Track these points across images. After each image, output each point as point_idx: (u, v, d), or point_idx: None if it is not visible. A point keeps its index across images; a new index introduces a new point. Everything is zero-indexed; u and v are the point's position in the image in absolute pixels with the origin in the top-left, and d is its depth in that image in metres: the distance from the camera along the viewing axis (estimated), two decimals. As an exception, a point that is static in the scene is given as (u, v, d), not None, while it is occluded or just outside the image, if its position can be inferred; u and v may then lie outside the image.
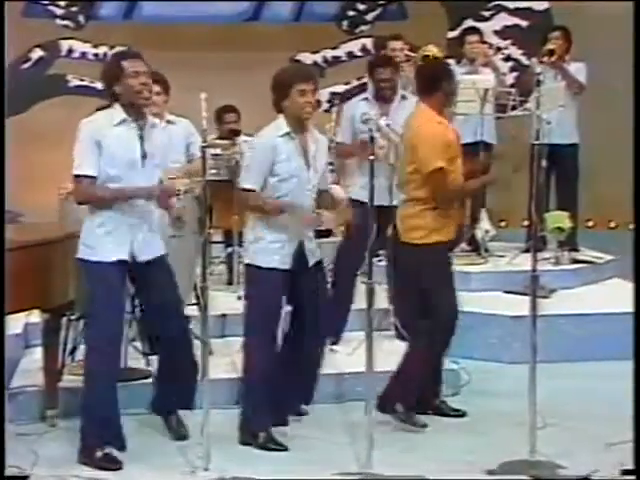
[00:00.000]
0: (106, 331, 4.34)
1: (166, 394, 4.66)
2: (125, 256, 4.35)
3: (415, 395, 4.79)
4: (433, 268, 4.78)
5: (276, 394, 4.63)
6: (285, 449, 4.55)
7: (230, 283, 6.91)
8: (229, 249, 6.96)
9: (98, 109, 4.55)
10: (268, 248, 4.57)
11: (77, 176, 4.33)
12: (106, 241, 4.34)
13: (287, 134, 4.53)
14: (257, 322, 4.62)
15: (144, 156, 4.35)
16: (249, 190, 4.56)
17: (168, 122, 5.73)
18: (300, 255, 4.60)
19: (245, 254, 4.73)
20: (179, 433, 4.65)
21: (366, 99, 6.01)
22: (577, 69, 7.37)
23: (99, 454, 4.31)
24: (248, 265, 4.64)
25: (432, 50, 7.27)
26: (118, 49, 4.57)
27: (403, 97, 6.01)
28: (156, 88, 5.26)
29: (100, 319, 4.34)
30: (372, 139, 4.30)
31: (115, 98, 4.36)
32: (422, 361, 4.77)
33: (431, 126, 4.76)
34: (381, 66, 5.99)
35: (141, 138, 4.35)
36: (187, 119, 5.79)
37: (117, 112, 4.36)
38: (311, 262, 4.65)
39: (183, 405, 4.64)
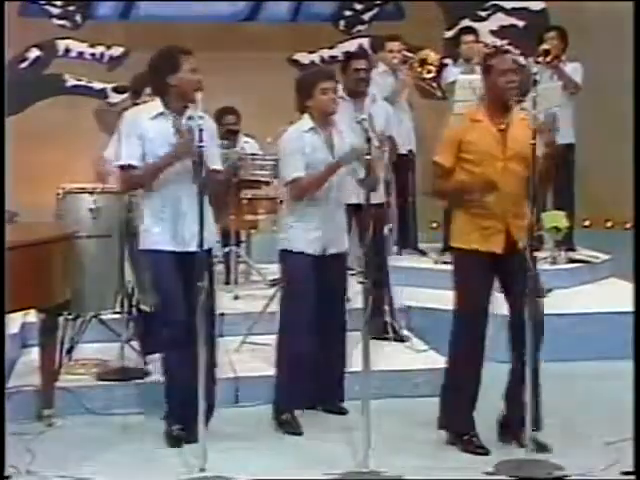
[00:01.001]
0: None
1: None
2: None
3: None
4: (456, 275, 4.62)
5: (307, 379, 4.86)
6: (299, 433, 4.75)
7: (228, 283, 6.92)
8: (226, 249, 6.96)
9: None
10: (297, 234, 4.83)
11: (120, 167, 4.54)
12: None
13: (312, 129, 4.80)
14: (288, 303, 4.89)
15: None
16: (297, 179, 4.76)
17: None
18: (324, 242, 4.83)
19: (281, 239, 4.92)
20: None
21: (340, 97, 6.03)
22: (573, 69, 7.38)
23: None
24: (282, 250, 4.89)
25: (429, 54, 7.29)
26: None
27: (373, 99, 6.07)
28: None
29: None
30: (368, 139, 4.33)
31: (161, 90, 4.52)
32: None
33: (457, 121, 4.75)
34: (359, 57, 6.11)
35: (177, 131, 4.45)
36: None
37: (156, 105, 4.52)
38: (330, 250, 4.84)
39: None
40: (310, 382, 4.92)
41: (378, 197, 5.81)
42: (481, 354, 4.53)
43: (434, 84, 7.40)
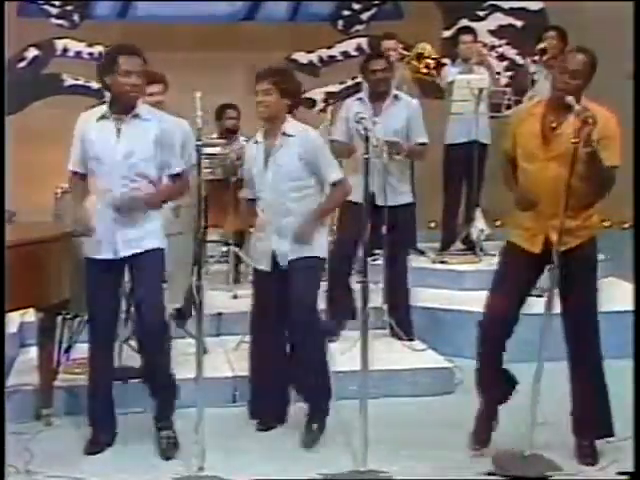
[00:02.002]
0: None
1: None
2: None
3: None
4: (498, 267, 4.50)
5: (274, 391, 4.75)
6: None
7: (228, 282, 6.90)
8: (224, 248, 6.97)
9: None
10: (253, 246, 4.77)
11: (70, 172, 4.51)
12: None
13: (256, 141, 4.66)
14: (250, 320, 4.74)
15: (121, 151, 4.36)
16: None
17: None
18: (272, 255, 4.63)
19: None
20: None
21: (360, 99, 6.02)
22: None
23: None
24: None
25: (426, 47, 7.28)
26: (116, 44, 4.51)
27: (396, 97, 6.00)
28: (155, 89, 5.30)
29: None
30: (367, 138, 4.32)
31: (105, 89, 4.46)
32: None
33: (517, 109, 4.70)
34: (375, 58, 6.04)
35: (119, 132, 4.37)
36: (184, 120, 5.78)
37: (103, 107, 4.45)
38: (282, 262, 4.61)
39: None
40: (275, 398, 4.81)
41: (397, 199, 5.84)
42: (499, 354, 4.42)
43: (434, 73, 7.37)
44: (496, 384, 4.48)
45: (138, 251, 4.43)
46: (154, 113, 4.46)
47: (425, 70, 7.25)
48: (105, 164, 4.38)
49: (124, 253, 4.42)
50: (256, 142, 4.65)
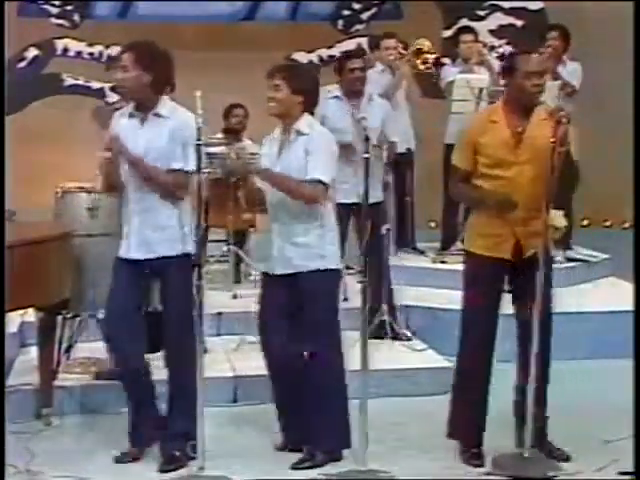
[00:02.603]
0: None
1: None
2: None
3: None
4: (465, 278, 4.41)
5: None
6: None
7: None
8: (224, 248, 6.97)
9: None
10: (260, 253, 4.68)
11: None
12: None
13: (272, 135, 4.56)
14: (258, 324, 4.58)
15: (141, 148, 4.39)
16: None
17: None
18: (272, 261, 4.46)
19: None
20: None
21: (337, 97, 6.04)
22: (572, 70, 7.33)
23: None
24: None
25: (424, 43, 7.28)
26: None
27: (370, 97, 6.05)
28: None
29: None
30: (367, 138, 4.32)
31: None
32: None
33: (470, 121, 4.67)
34: (353, 57, 6.07)
35: (141, 130, 4.42)
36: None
37: (132, 105, 4.51)
38: (278, 270, 4.39)
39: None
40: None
41: (375, 197, 5.83)
42: (489, 359, 4.40)
43: (432, 69, 7.36)
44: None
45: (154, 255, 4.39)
46: (174, 111, 4.44)
47: (422, 67, 7.24)
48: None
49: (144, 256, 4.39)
50: (272, 138, 4.58)
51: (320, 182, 4.32)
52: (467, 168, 4.32)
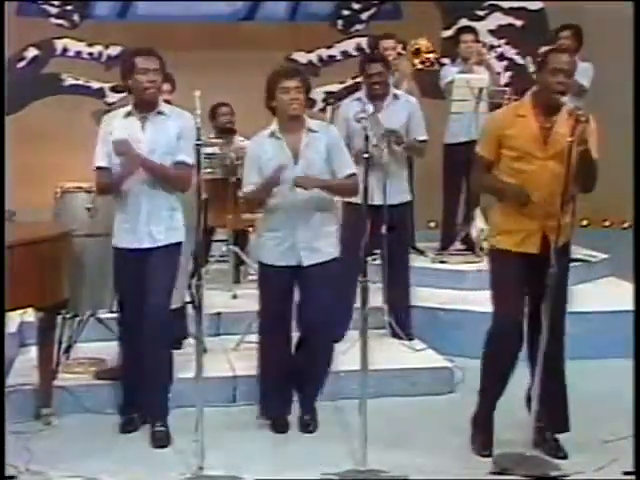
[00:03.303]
0: None
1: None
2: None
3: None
4: (491, 275, 4.45)
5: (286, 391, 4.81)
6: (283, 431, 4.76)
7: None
8: (224, 248, 6.97)
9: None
10: (263, 243, 4.72)
11: (96, 169, 4.64)
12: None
13: (272, 134, 4.64)
14: (260, 319, 4.77)
15: (146, 146, 4.51)
16: (247, 193, 4.70)
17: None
18: (295, 252, 4.64)
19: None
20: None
21: (359, 99, 6.03)
22: (584, 69, 7.30)
23: None
24: (258, 262, 4.82)
25: (422, 43, 7.28)
26: (125, 47, 4.70)
27: (395, 96, 6.03)
28: (166, 87, 5.41)
29: None
30: (367, 137, 4.33)
31: (128, 90, 4.63)
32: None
33: (496, 113, 4.73)
34: (372, 61, 6.05)
35: (143, 128, 4.55)
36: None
37: (129, 106, 4.64)
38: (306, 262, 4.64)
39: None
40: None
41: (399, 198, 5.88)
42: (514, 358, 4.40)
43: (430, 69, 7.37)
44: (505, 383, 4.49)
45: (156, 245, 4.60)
46: (174, 110, 4.65)
47: (421, 66, 7.24)
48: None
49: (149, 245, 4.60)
50: (274, 136, 4.63)
51: (355, 174, 4.63)
52: (490, 158, 4.38)
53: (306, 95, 4.62)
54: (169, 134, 4.56)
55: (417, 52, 7.24)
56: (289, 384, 4.84)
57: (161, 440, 4.58)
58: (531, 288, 4.37)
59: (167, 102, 5.14)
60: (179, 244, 4.66)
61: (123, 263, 4.65)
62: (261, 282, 4.77)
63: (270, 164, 4.58)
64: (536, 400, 4.25)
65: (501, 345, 4.38)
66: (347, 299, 5.70)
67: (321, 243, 4.65)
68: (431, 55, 7.25)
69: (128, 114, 4.60)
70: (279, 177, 4.52)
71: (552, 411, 4.37)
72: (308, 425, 4.79)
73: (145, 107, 4.58)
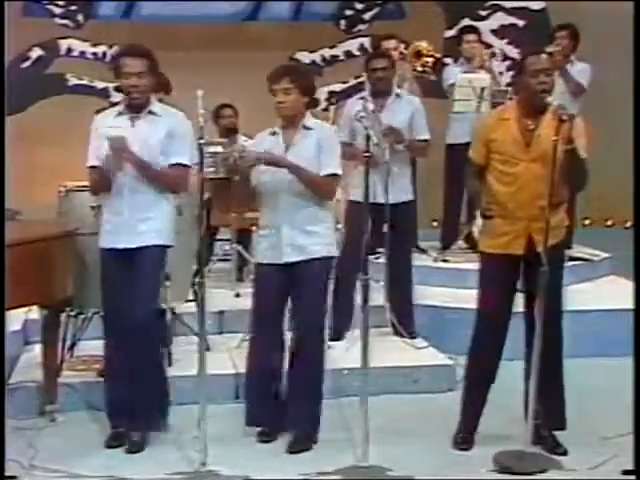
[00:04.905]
0: None
1: None
2: None
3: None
4: (481, 278, 4.50)
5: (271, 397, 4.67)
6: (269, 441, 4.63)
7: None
8: (227, 247, 6.99)
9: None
10: (258, 241, 4.74)
11: (88, 168, 4.59)
12: None
13: (274, 132, 4.64)
14: (252, 318, 4.69)
15: (135, 145, 4.45)
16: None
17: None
18: (279, 250, 4.56)
19: None
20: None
21: (363, 98, 6.05)
22: (581, 69, 7.32)
23: None
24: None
25: (422, 45, 7.30)
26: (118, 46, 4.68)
27: (397, 95, 6.06)
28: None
29: None
30: (368, 137, 4.36)
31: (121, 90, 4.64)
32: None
33: (484, 117, 4.76)
34: (376, 57, 6.09)
35: (133, 128, 4.51)
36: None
37: (122, 105, 4.63)
38: (288, 258, 4.52)
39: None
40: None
41: (402, 197, 5.89)
42: (498, 357, 4.48)
43: (430, 72, 7.39)
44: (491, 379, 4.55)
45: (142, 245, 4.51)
46: (167, 110, 4.62)
47: (421, 68, 7.27)
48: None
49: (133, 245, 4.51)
50: (274, 133, 4.65)
51: (335, 175, 4.52)
52: (480, 162, 4.44)
53: (304, 93, 4.53)
54: (159, 134, 4.50)
55: (418, 54, 7.27)
56: (277, 391, 4.66)
57: (135, 445, 4.50)
58: (526, 288, 4.41)
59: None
60: (163, 247, 4.54)
61: (105, 264, 4.56)
62: (253, 280, 4.75)
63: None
64: (532, 398, 4.27)
65: (484, 344, 4.46)
66: (348, 297, 5.73)
67: (306, 242, 4.51)
68: (430, 59, 7.27)
69: (119, 113, 4.58)
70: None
71: (549, 409, 4.40)
72: (294, 444, 4.55)
73: (135, 107, 4.54)
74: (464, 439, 4.55)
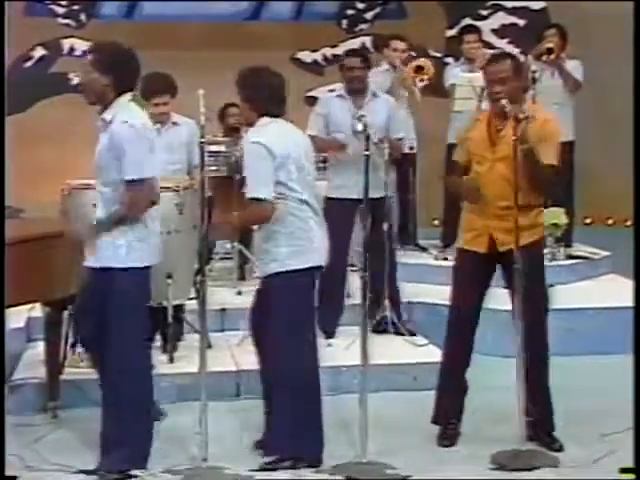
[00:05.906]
0: None
1: None
2: None
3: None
4: (452, 272, 4.68)
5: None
6: None
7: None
8: (228, 245, 7.03)
9: None
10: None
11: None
12: None
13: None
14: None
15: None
16: None
17: (173, 124, 5.91)
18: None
19: None
20: None
21: (340, 96, 6.10)
22: (573, 67, 7.40)
23: None
24: None
25: (426, 63, 7.34)
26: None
27: (374, 94, 6.10)
28: (160, 99, 5.67)
29: None
30: (368, 137, 4.39)
31: None
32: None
33: (455, 120, 4.92)
34: (351, 55, 6.17)
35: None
36: (193, 120, 5.81)
37: None
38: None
39: None
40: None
41: (378, 192, 5.89)
42: (467, 351, 4.60)
43: (417, 91, 7.44)
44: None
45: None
46: (115, 113, 4.18)
47: (420, 84, 7.33)
48: None
49: None
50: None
51: (258, 200, 4.24)
52: (462, 162, 4.58)
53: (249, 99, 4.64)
54: (104, 146, 4.18)
55: (418, 70, 7.30)
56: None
57: None
58: (505, 287, 4.52)
59: (163, 114, 5.26)
60: (126, 270, 4.11)
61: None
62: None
63: None
64: (521, 397, 4.31)
65: (452, 336, 4.62)
66: (334, 296, 5.76)
67: (262, 259, 4.39)
68: (426, 76, 7.32)
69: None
70: None
71: (535, 413, 4.41)
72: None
73: (101, 111, 4.23)
74: (444, 435, 4.59)
